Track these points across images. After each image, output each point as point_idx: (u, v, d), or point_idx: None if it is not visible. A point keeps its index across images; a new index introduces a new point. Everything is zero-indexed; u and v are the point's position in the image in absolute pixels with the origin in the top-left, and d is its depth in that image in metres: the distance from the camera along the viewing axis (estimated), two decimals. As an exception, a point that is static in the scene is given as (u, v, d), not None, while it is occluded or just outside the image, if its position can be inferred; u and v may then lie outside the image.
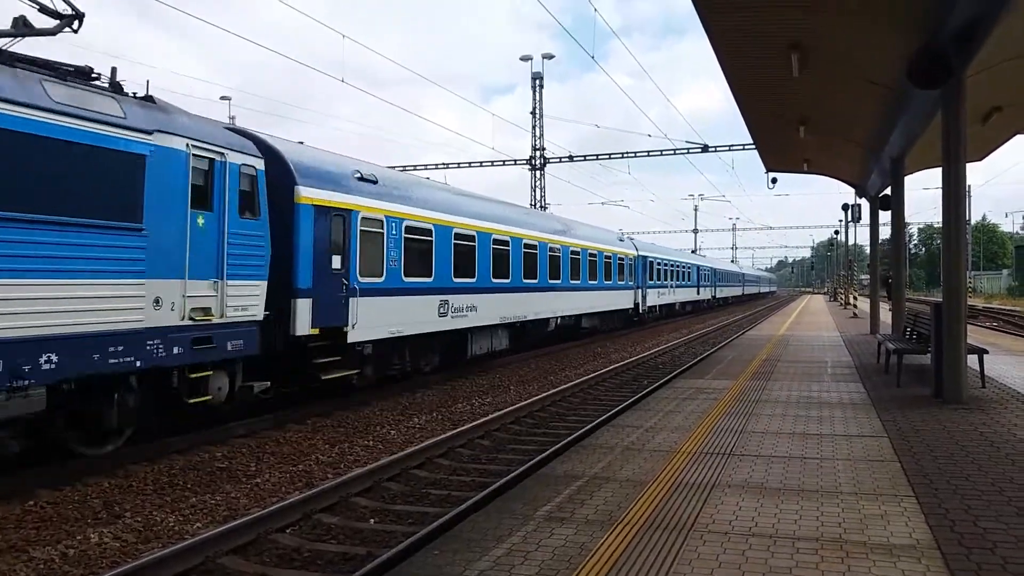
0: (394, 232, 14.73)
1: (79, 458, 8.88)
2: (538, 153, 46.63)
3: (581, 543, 4.94)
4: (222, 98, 55.17)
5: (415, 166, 46.71)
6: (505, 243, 20.33)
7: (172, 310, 9.40)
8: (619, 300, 31.91)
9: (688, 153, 44.31)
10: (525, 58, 45.38)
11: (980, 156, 17.65)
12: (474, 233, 18.41)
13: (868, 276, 33.17)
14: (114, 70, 9.35)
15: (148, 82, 10.15)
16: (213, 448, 10.16)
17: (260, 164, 11.04)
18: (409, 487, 8.66)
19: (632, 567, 4.50)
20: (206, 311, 9.92)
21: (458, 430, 11.03)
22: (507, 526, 5.30)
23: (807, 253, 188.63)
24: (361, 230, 13.64)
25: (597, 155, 47.84)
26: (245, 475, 9.02)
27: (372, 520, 7.50)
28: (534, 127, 46.32)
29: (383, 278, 14.27)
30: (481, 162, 49.06)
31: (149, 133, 9.14)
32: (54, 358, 7.87)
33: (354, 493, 8.13)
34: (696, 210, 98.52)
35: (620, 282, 32.09)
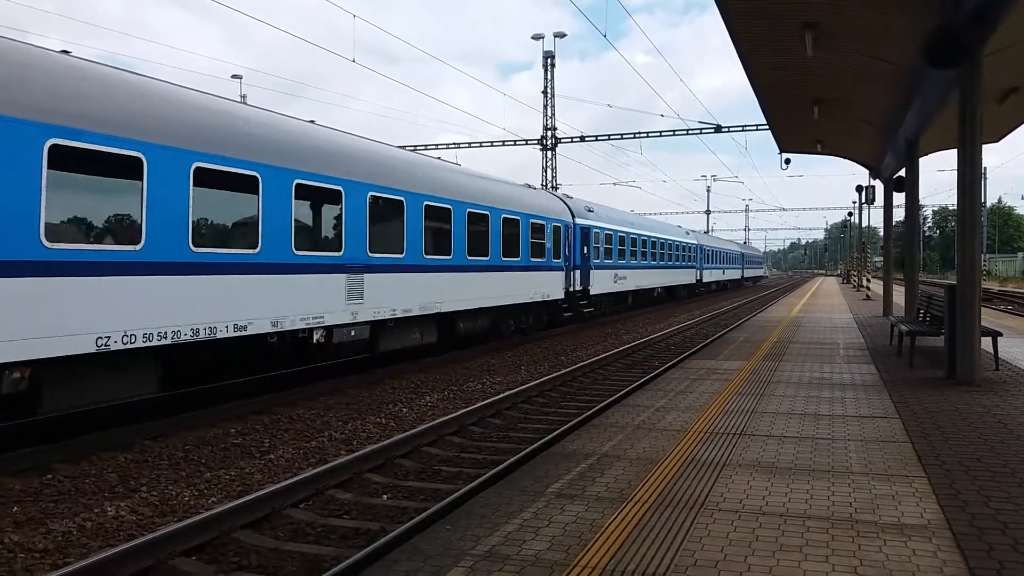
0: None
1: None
2: (549, 133, 46.44)
3: (592, 520, 4.97)
4: (233, 76, 55.03)
5: (427, 146, 46.63)
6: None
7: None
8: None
9: (701, 133, 44.11)
10: (537, 37, 45.08)
11: (997, 137, 17.48)
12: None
13: (882, 258, 33.02)
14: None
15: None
16: (227, 424, 10.26)
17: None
18: (421, 464, 8.73)
19: (643, 544, 4.54)
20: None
21: (470, 408, 11.08)
22: (518, 502, 5.34)
23: (820, 235, 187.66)
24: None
25: (609, 135, 47.67)
26: (259, 451, 9.11)
27: (385, 496, 7.57)
28: (545, 107, 46.12)
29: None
30: (492, 142, 48.90)
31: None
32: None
33: (367, 469, 8.21)
34: (709, 191, 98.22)
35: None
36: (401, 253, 14.30)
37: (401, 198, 14.38)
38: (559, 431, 9.63)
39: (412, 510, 6.96)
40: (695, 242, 47.06)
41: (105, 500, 7.19)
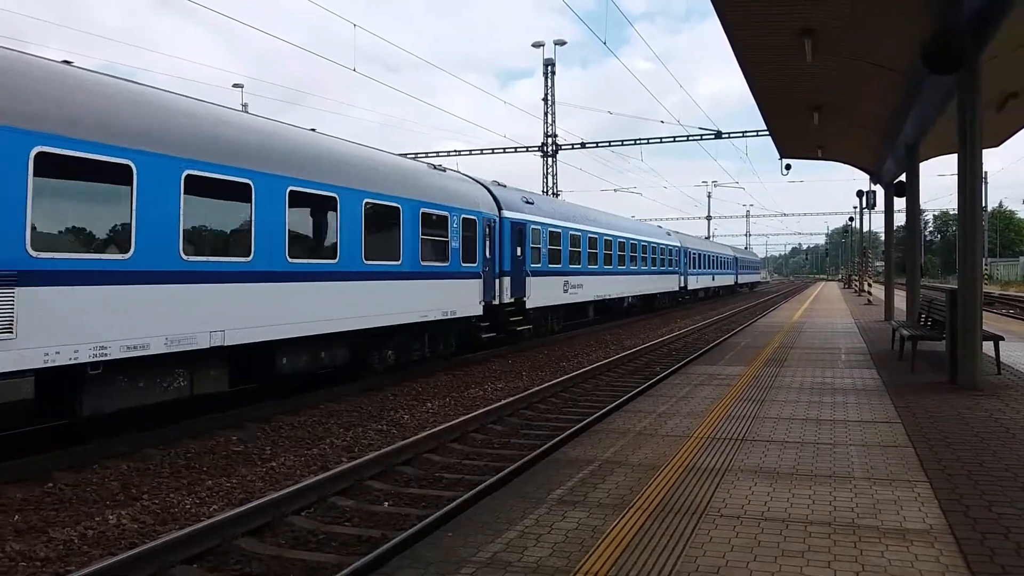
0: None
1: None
2: (550, 140, 46.52)
3: (594, 526, 4.97)
4: (235, 86, 55.21)
5: (427, 153, 46.75)
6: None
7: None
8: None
9: (701, 140, 44.18)
10: (537, 44, 45.21)
11: (996, 142, 17.50)
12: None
13: (883, 263, 33.04)
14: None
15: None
16: (229, 432, 10.26)
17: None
18: (423, 471, 8.73)
19: (644, 550, 4.53)
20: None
21: (471, 415, 11.08)
22: (520, 509, 5.33)
23: (822, 240, 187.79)
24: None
25: (609, 142, 47.80)
26: (260, 459, 9.11)
27: (386, 503, 7.56)
28: (546, 114, 46.23)
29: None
30: (493, 149, 49.03)
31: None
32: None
33: (368, 476, 8.20)
34: (709, 197, 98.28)
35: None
36: (124, 253, 8.92)
37: (127, 162, 8.95)
38: (560, 437, 9.62)
39: (413, 517, 6.95)
40: (677, 244, 42.04)
41: (107, 508, 7.18)
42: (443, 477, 8.48)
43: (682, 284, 42.26)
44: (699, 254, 48.47)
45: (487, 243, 18.20)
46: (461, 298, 16.77)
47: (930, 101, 13.21)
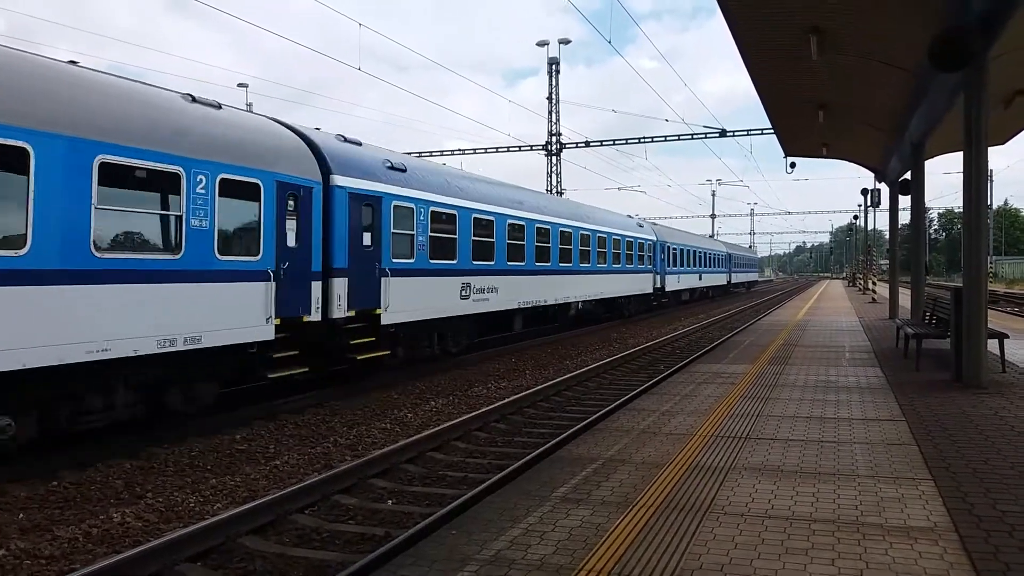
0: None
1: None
2: (554, 139, 46.52)
3: (597, 524, 4.96)
4: (239, 85, 55.18)
5: (431, 152, 46.80)
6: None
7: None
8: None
9: (706, 138, 44.14)
10: (542, 43, 45.17)
11: (1002, 140, 17.46)
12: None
13: (887, 261, 32.85)
14: None
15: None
16: (232, 430, 10.27)
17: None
18: (426, 469, 8.73)
19: (648, 547, 4.53)
20: None
21: (475, 413, 11.08)
22: (523, 507, 5.33)
23: (826, 238, 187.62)
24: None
25: (613, 140, 47.75)
26: (264, 457, 9.11)
27: (390, 501, 7.57)
28: (550, 112, 46.21)
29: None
30: (497, 148, 49.05)
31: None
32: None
33: (372, 475, 8.21)
34: (714, 195, 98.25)
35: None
36: None
37: None
38: (564, 435, 9.61)
39: (417, 515, 6.96)
40: (652, 237, 34.98)
41: (111, 507, 7.20)
42: (447, 475, 8.49)
43: (658, 285, 35.55)
44: (681, 249, 41.00)
45: (290, 223, 11.68)
46: (218, 314, 10.16)
47: (936, 98, 13.17)
